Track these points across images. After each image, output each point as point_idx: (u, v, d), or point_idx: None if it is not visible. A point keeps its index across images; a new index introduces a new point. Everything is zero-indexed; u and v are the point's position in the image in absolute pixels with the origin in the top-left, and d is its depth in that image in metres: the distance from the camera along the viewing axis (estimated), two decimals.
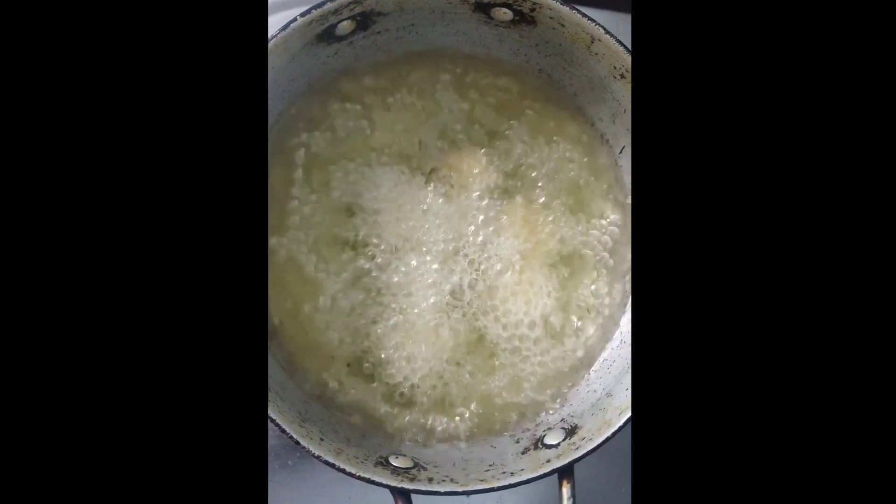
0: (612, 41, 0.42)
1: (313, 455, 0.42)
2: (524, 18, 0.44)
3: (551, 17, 0.43)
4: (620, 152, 0.48)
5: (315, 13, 0.41)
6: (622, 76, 0.44)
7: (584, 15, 0.42)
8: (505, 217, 0.48)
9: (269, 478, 0.54)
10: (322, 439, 0.43)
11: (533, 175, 0.48)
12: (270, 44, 0.40)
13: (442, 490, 0.43)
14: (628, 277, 0.49)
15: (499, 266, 0.48)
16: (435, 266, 0.47)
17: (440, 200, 0.48)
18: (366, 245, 0.47)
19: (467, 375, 0.47)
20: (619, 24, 0.43)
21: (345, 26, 0.43)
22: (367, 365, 0.47)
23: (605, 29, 0.42)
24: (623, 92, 0.45)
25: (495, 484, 0.43)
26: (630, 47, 0.42)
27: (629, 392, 0.44)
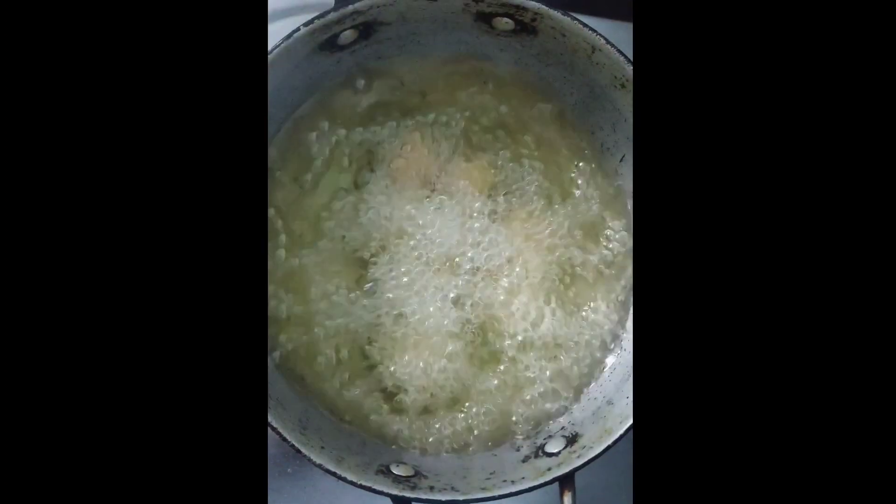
0: (613, 51, 0.43)
1: (314, 463, 0.42)
2: (525, 28, 0.44)
3: (552, 28, 0.43)
4: (621, 161, 0.49)
5: (318, 23, 0.41)
6: (623, 86, 0.44)
7: (585, 25, 0.42)
8: (506, 226, 0.48)
9: (269, 486, 0.54)
10: (323, 447, 0.43)
11: (533, 185, 0.48)
12: (274, 53, 0.41)
13: (443, 499, 0.42)
14: (629, 287, 0.49)
15: (499, 275, 0.48)
16: (435, 276, 0.47)
17: (440, 210, 0.48)
18: (362, 253, 0.48)
19: (468, 384, 0.47)
20: (620, 33, 0.43)
21: (347, 35, 0.44)
22: (368, 373, 0.47)
23: (606, 39, 0.42)
24: (623, 101, 0.45)
25: (496, 492, 0.43)
26: (631, 57, 0.42)
27: (630, 400, 0.44)
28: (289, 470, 0.54)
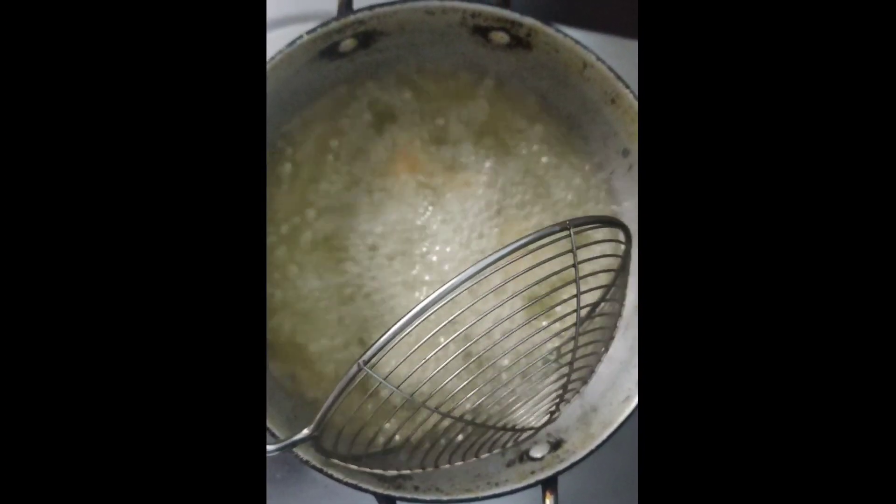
0: (604, 67, 0.44)
1: (301, 460, 0.42)
2: (520, 43, 0.46)
3: (546, 43, 0.45)
4: (611, 174, 0.50)
5: (320, 31, 0.43)
6: (613, 101, 0.45)
7: (578, 42, 0.44)
8: (496, 234, 0.49)
9: None
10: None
11: (525, 196, 0.49)
12: (276, 59, 0.42)
13: (427, 499, 0.43)
14: (617, 298, 0.50)
15: (489, 283, 0.48)
16: (426, 280, 0.48)
17: (433, 217, 0.49)
18: (356, 253, 0.48)
19: (455, 387, 0.48)
20: (610, 47, 0.45)
21: (347, 44, 0.45)
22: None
23: (596, 56, 0.44)
24: (613, 116, 0.46)
25: (480, 494, 0.43)
26: (620, 73, 0.43)
27: (613, 407, 0.45)
28: (278, 475, 0.54)
